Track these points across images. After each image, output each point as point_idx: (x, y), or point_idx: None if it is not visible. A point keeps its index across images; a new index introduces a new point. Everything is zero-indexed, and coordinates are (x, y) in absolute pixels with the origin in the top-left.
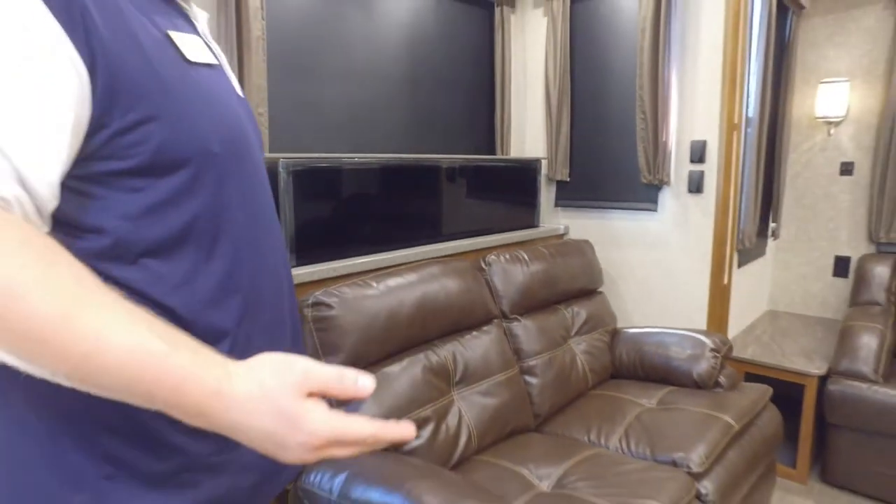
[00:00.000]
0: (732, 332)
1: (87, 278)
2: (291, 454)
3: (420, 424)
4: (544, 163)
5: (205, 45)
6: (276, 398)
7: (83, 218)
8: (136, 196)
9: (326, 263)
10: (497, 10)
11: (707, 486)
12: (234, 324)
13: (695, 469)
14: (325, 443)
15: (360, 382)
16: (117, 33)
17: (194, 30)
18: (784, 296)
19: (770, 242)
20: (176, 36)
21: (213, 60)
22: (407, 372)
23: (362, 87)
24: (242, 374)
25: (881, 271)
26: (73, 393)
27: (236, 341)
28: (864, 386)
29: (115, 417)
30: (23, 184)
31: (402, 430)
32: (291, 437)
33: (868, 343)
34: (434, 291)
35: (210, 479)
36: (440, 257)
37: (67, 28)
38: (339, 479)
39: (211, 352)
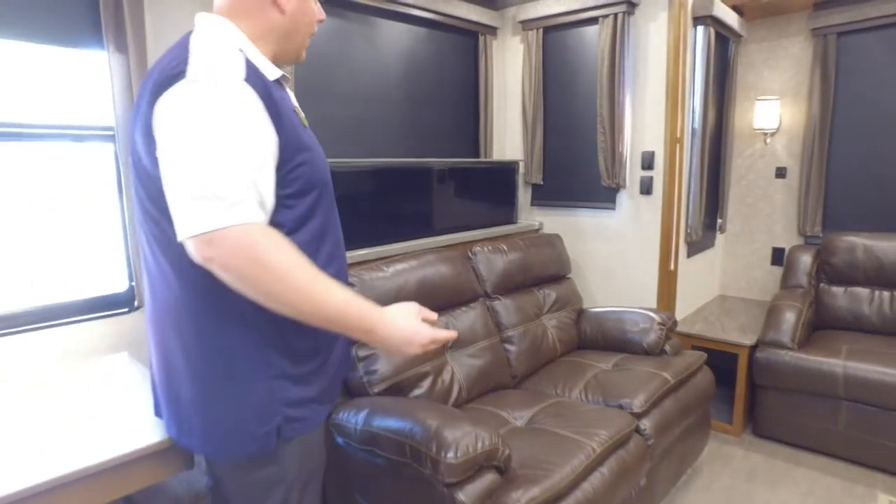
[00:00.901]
0: (685, 312)
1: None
2: (412, 348)
3: (421, 378)
4: (521, 166)
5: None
6: (407, 317)
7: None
8: (290, 211)
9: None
10: (481, 39)
11: (646, 424)
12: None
13: (636, 410)
14: (429, 340)
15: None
16: (282, 117)
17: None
18: (732, 282)
19: (719, 236)
20: (297, 109)
21: (306, 122)
22: None
23: (367, 106)
24: (386, 309)
25: (805, 259)
26: (264, 327)
27: None
28: (783, 353)
29: (278, 343)
30: (263, 207)
31: (452, 334)
32: (414, 337)
33: (788, 318)
34: (431, 274)
35: (320, 379)
36: (435, 248)
37: (271, 116)
38: (362, 415)
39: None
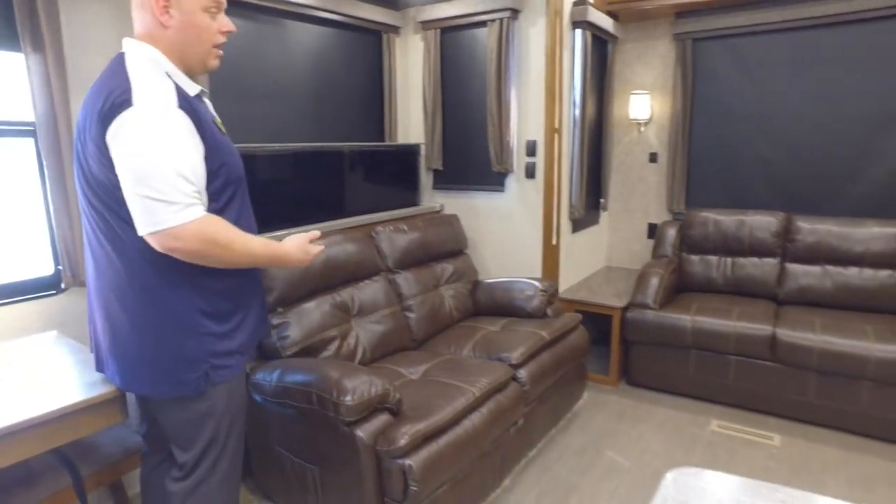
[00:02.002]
0: (572, 281)
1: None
2: (307, 256)
3: (328, 342)
4: (423, 149)
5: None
6: (296, 239)
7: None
8: (213, 203)
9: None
10: (384, 37)
11: (522, 373)
12: None
13: (514, 362)
14: (306, 241)
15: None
16: (205, 129)
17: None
18: (616, 254)
19: (602, 214)
20: (216, 119)
21: (223, 128)
22: (319, 307)
23: (280, 102)
24: (286, 241)
25: (671, 233)
26: (194, 297)
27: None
28: (648, 312)
29: (205, 308)
30: (204, 203)
31: (316, 233)
32: (307, 250)
33: (653, 283)
34: (337, 252)
35: (240, 335)
36: (342, 229)
37: (198, 130)
38: (276, 373)
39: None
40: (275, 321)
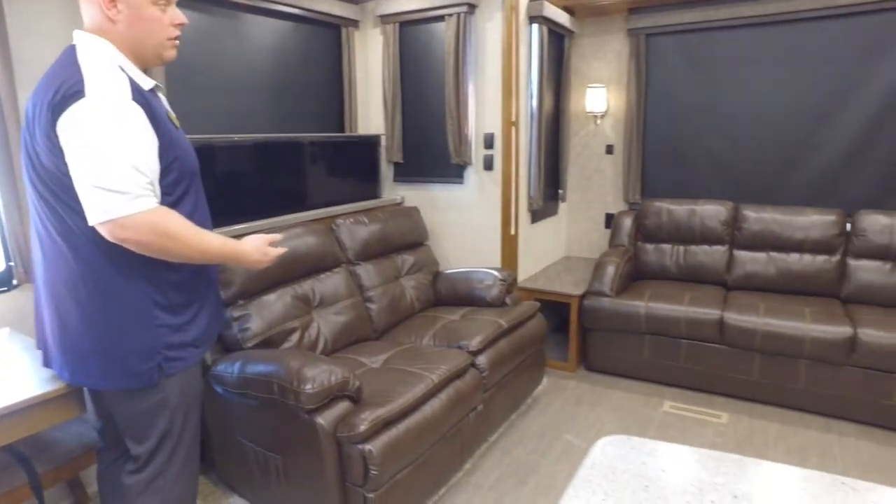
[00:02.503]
0: (532, 270)
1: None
2: (264, 262)
3: (290, 333)
4: (383, 140)
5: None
6: (255, 240)
7: None
8: (167, 197)
9: (219, 229)
10: (344, 31)
11: (481, 360)
12: None
13: (472, 349)
14: (265, 243)
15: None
16: (160, 123)
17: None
18: (575, 244)
19: (561, 205)
20: (170, 114)
21: (178, 123)
22: (280, 299)
23: (239, 96)
24: (245, 240)
25: (627, 222)
26: (148, 289)
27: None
28: (604, 300)
29: (159, 301)
30: (156, 195)
31: (282, 250)
32: (265, 252)
33: (609, 271)
34: (298, 245)
35: (194, 328)
36: (303, 222)
37: (152, 124)
38: (237, 365)
39: (230, 239)
40: (235, 313)
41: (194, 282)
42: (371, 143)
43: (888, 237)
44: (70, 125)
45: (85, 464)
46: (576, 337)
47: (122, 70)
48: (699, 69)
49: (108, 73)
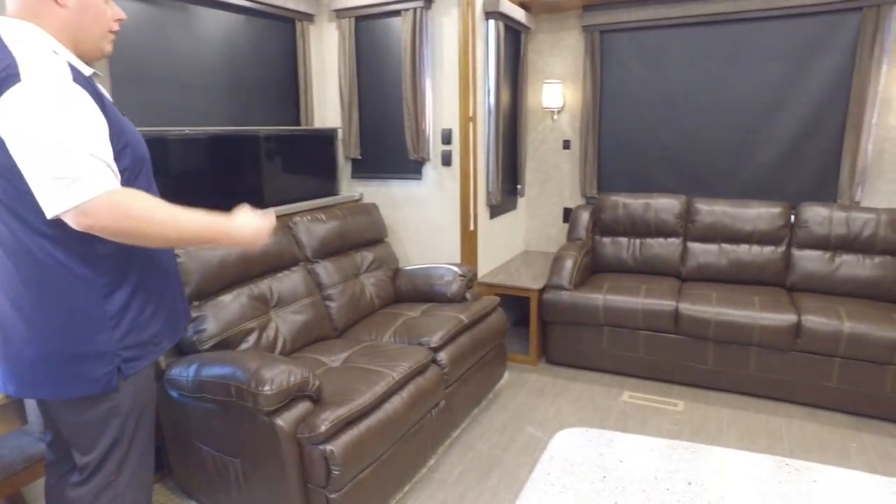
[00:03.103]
0: (491, 265)
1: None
2: (261, 237)
3: (247, 333)
4: (340, 134)
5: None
6: (252, 216)
7: None
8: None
9: None
10: (298, 25)
11: (442, 356)
12: None
13: (433, 345)
14: (262, 217)
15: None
16: (106, 107)
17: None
18: (534, 238)
19: (520, 199)
20: (112, 101)
21: (121, 111)
22: (237, 299)
23: (189, 90)
24: (235, 215)
25: (584, 216)
26: (99, 289)
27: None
28: (563, 293)
29: (113, 300)
30: (116, 175)
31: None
32: (260, 225)
33: (567, 265)
34: None
35: (152, 325)
36: None
37: (99, 107)
38: (193, 368)
39: (219, 214)
40: (190, 315)
41: (148, 276)
42: (328, 136)
43: (827, 228)
44: (8, 113)
45: (28, 478)
46: (536, 331)
47: (57, 54)
48: (652, 66)
49: (42, 55)
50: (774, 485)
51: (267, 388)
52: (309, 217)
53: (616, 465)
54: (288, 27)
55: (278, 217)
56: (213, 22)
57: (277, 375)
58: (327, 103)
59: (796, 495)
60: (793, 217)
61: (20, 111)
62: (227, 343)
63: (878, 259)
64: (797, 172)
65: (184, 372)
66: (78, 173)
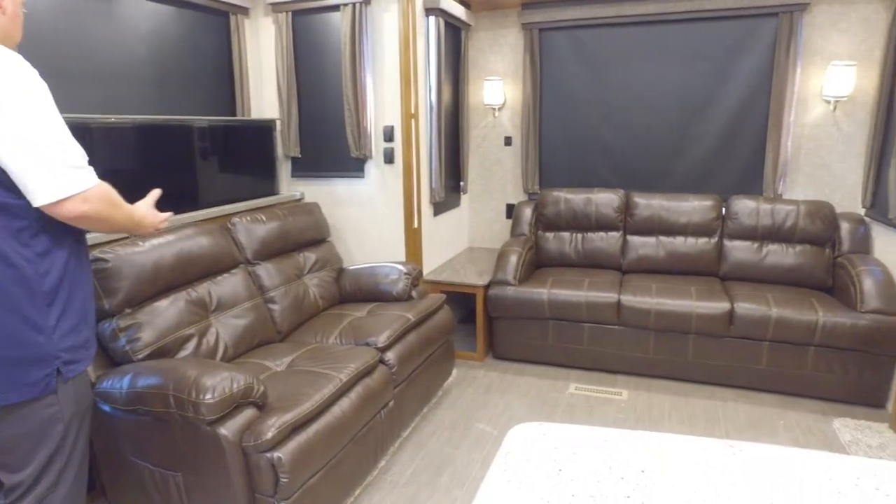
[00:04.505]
0: (436, 263)
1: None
2: (159, 221)
3: (186, 340)
4: (279, 131)
5: None
6: (144, 204)
7: None
8: None
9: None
10: (232, 18)
11: (389, 356)
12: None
13: (380, 345)
14: (150, 205)
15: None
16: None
17: None
18: (478, 235)
19: (463, 196)
20: None
21: None
22: (173, 305)
23: (114, 85)
24: (138, 203)
25: (527, 212)
26: (39, 297)
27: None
28: (508, 288)
29: (52, 306)
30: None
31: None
32: (155, 213)
33: (512, 261)
34: (190, 246)
35: (85, 329)
36: (194, 222)
37: None
38: (127, 379)
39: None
40: (123, 323)
41: (77, 277)
42: (266, 128)
43: (754, 219)
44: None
45: None
46: (483, 327)
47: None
48: (590, 63)
49: (8, 54)
50: (719, 466)
51: (208, 396)
52: (248, 218)
53: (570, 457)
54: (221, 20)
55: (216, 218)
56: (140, 12)
57: (219, 383)
58: (265, 101)
59: (740, 474)
60: (724, 209)
61: (11, 109)
62: (164, 351)
63: (798, 247)
64: (727, 167)
65: (117, 384)
66: (80, 163)
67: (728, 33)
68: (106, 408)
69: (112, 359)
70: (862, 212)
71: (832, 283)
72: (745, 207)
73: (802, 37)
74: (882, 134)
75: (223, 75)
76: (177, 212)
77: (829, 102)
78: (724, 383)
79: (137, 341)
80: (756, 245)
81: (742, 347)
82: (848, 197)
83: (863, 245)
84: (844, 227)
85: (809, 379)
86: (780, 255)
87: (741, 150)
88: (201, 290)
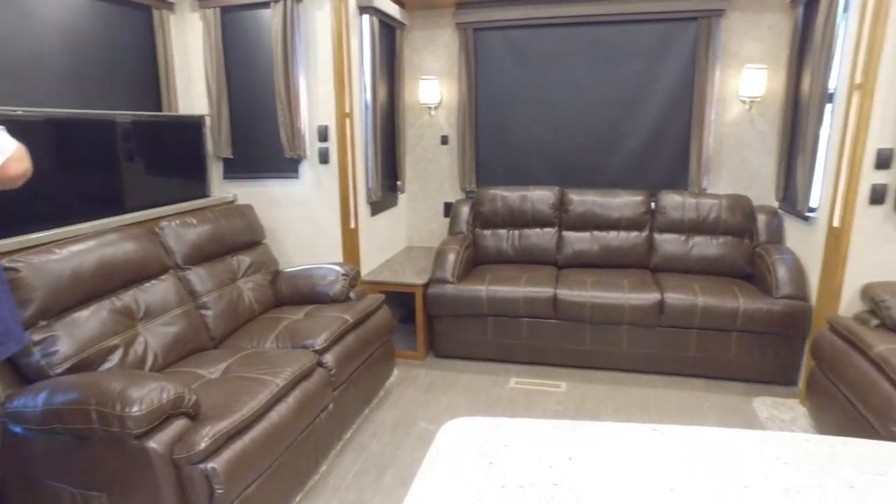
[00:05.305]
0: (375, 263)
1: None
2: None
3: (110, 352)
4: (209, 127)
5: None
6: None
7: None
8: None
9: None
10: (156, 13)
11: (328, 358)
12: None
13: (318, 347)
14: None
15: None
16: None
17: None
18: (416, 234)
19: (401, 196)
20: None
21: None
22: (95, 315)
23: (18, 82)
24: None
25: (464, 210)
26: None
27: None
28: (447, 286)
29: None
30: None
31: None
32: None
33: (450, 259)
34: (113, 252)
35: None
36: (118, 227)
37: None
38: (42, 396)
39: None
40: (37, 336)
41: None
42: (194, 124)
43: (681, 213)
44: None
45: None
46: (423, 325)
47: None
48: (524, 63)
49: None
50: (645, 449)
51: (135, 408)
52: (178, 221)
53: (501, 449)
54: (143, 15)
55: (144, 222)
56: (51, 4)
57: (147, 394)
58: (194, 100)
59: (665, 456)
60: (653, 204)
61: None
62: (85, 364)
63: (721, 239)
64: (656, 163)
65: (30, 402)
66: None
67: (654, 36)
68: (17, 429)
69: (25, 376)
70: (776, 204)
71: (751, 272)
72: (672, 202)
73: (720, 41)
74: (790, 132)
75: (148, 72)
76: (100, 216)
77: (745, 102)
78: (656, 371)
79: (54, 355)
80: (683, 238)
81: (672, 336)
82: (763, 191)
83: (777, 235)
84: (761, 218)
85: (732, 363)
86: (705, 246)
87: (669, 148)
88: (127, 297)
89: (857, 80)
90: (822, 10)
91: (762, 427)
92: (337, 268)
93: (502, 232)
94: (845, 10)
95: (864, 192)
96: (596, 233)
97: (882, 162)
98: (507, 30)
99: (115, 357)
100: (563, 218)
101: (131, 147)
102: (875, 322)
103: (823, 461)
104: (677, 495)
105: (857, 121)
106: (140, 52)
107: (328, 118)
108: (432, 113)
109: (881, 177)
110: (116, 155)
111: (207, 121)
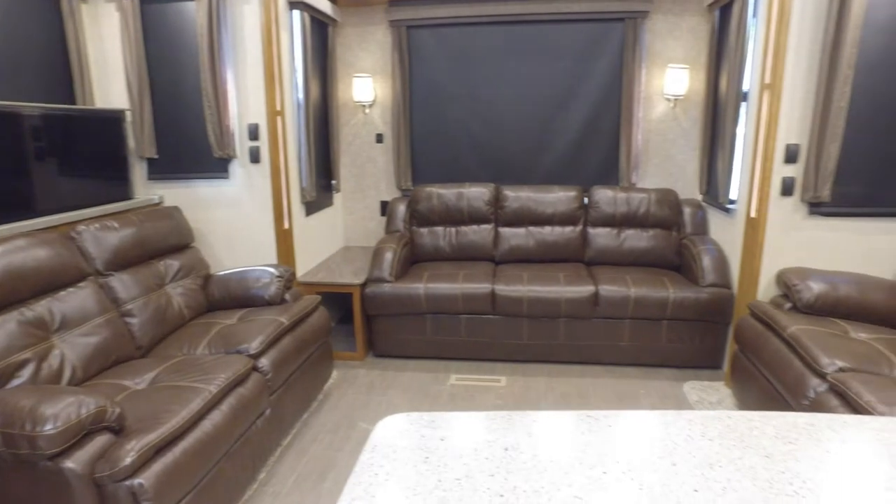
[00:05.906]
0: (311, 264)
1: None
2: None
3: (18, 367)
4: (130, 122)
5: None
6: None
7: None
8: None
9: None
10: (65, 1)
11: (263, 362)
12: None
13: (253, 352)
14: None
15: None
16: None
17: None
18: (353, 234)
19: (336, 195)
20: None
21: None
22: (2, 327)
23: None
24: None
25: (401, 208)
26: None
27: None
28: (385, 285)
29: None
30: None
31: None
32: None
33: (387, 258)
34: (21, 259)
35: None
36: (28, 231)
37: None
38: None
39: None
40: None
41: None
42: (113, 119)
43: (612, 207)
44: None
45: None
46: (361, 325)
47: None
48: (458, 61)
49: None
50: (578, 435)
51: (49, 426)
52: (97, 225)
53: (438, 444)
54: (51, 5)
55: (59, 226)
56: None
57: (63, 410)
58: (113, 95)
59: (597, 440)
60: (586, 199)
61: None
62: None
63: (651, 231)
64: (588, 159)
65: None
66: None
67: (584, 35)
68: None
69: None
70: (700, 197)
71: (679, 262)
72: (604, 197)
73: (645, 41)
74: (710, 129)
75: (58, 64)
76: (6, 221)
77: (669, 100)
78: (593, 361)
79: None
80: (615, 231)
81: (607, 327)
82: (689, 184)
83: (701, 227)
84: (687, 211)
85: (664, 350)
86: (636, 239)
87: (600, 144)
88: (39, 308)
89: (767, 80)
90: (734, 14)
91: (692, 409)
92: (271, 269)
93: (439, 229)
94: (754, 14)
95: (775, 184)
96: (531, 228)
97: (790, 156)
98: (441, 27)
99: (26, 372)
100: (498, 214)
101: (43, 145)
102: (788, 305)
103: (743, 435)
104: (610, 477)
105: (767, 118)
106: (49, 42)
107: (259, 116)
108: (367, 111)
109: (789, 170)
110: (24, 152)
111: (128, 116)
